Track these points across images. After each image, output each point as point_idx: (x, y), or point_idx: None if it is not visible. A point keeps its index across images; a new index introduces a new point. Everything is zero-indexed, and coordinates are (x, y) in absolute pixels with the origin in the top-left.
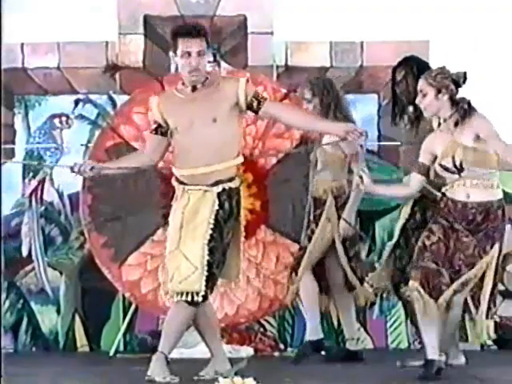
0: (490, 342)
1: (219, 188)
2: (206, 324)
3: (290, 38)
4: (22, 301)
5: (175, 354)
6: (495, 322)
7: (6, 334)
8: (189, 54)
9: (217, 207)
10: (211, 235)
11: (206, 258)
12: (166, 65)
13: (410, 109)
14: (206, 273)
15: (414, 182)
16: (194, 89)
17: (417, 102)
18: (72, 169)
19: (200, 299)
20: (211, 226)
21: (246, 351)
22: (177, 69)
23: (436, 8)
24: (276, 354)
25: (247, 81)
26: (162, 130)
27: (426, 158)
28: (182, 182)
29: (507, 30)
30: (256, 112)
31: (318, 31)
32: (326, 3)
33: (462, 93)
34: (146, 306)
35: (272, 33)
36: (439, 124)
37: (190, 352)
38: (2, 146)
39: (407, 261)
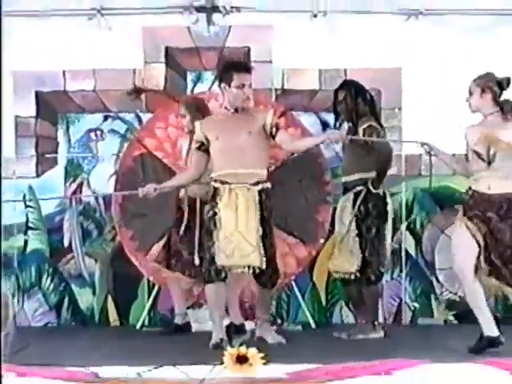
0: (451, 318)
1: (259, 187)
2: (222, 302)
3: (286, 66)
4: (63, 284)
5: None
6: (455, 301)
7: (50, 311)
8: (243, 85)
9: (258, 201)
10: (261, 220)
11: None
12: (182, 88)
13: (349, 124)
14: (262, 251)
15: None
16: (236, 111)
17: (466, 100)
18: (140, 193)
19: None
20: (258, 214)
21: (249, 325)
22: (192, 91)
23: (407, 41)
24: (274, 327)
25: (274, 113)
26: (203, 147)
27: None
28: (225, 182)
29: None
30: (273, 137)
31: (309, 60)
32: (316, 37)
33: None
34: (167, 287)
35: (271, 61)
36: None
37: (201, 326)
38: (47, 156)
39: (365, 247)
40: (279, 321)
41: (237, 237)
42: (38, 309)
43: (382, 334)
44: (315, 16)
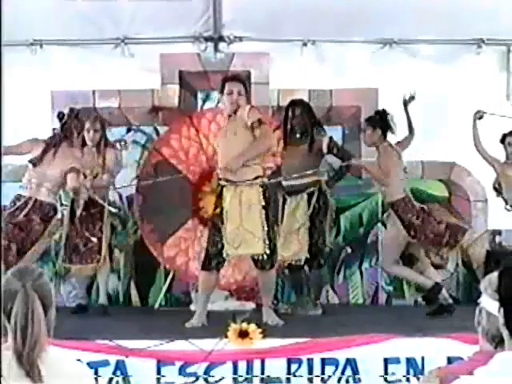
0: (420, 300)
1: (258, 181)
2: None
3: (281, 87)
4: None
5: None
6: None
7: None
8: (231, 92)
9: (262, 195)
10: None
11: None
12: (193, 105)
13: (305, 136)
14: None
15: None
16: (230, 116)
17: None
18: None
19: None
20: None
21: (250, 305)
22: (201, 108)
23: (382, 65)
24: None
25: (251, 107)
26: None
27: None
28: (228, 180)
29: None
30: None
31: (300, 82)
32: (306, 62)
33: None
34: (180, 274)
35: (268, 83)
36: None
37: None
38: None
39: (318, 237)
40: (275, 301)
41: (242, 230)
42: (71, 291)
43: (320, 311)
44: (305, 44)
